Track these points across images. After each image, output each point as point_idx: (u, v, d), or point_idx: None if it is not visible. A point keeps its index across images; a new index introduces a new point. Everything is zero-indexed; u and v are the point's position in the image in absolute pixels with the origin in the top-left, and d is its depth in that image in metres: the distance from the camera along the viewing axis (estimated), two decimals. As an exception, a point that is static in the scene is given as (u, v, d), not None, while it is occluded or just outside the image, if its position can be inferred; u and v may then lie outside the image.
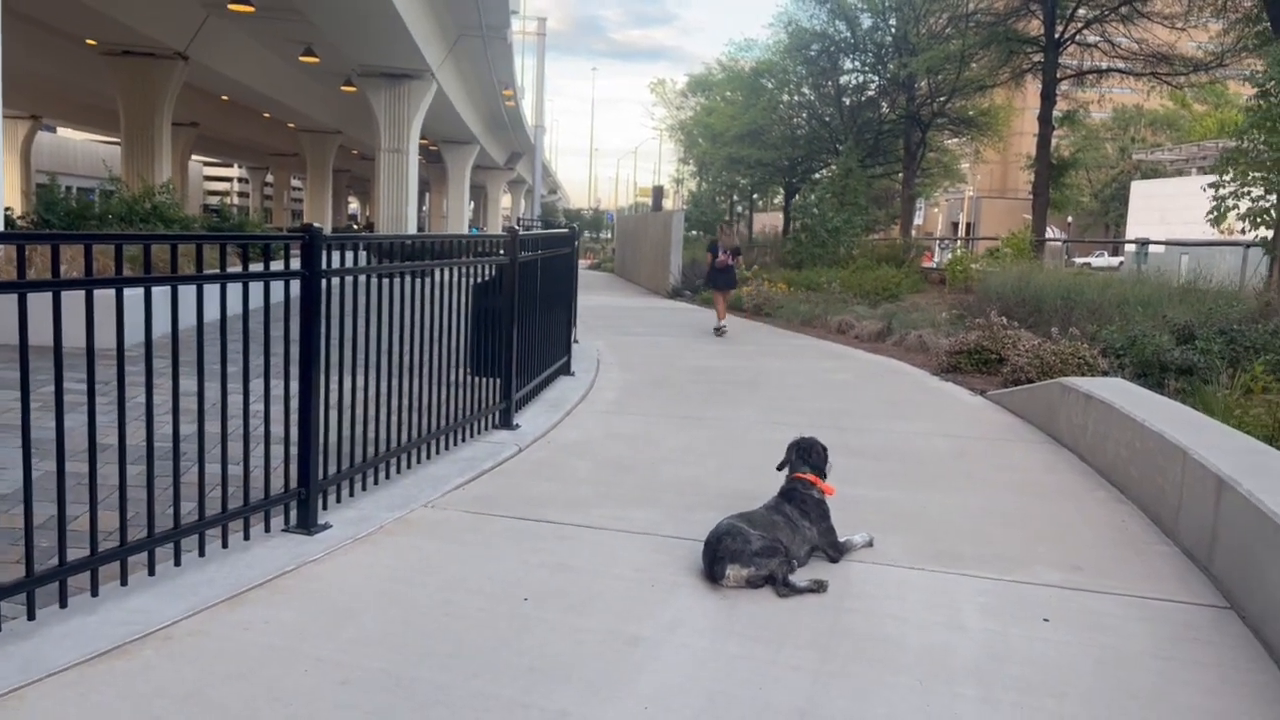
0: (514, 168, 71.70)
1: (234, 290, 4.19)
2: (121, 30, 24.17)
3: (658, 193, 38.32)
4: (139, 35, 24.60)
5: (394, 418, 5.42)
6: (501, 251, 7.06)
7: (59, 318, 3.29)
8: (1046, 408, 7.63)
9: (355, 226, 76.99)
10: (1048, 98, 27.30)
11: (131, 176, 23.71)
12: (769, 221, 53.75)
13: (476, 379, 6.70)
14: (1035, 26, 28.32)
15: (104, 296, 3.48)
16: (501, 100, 43.44)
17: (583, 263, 24.09)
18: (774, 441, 5.53)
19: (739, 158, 37.71)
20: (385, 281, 5.35)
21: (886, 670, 3.44)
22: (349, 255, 5.00)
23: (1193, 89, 31.80)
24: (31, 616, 3.40)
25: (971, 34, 28.74)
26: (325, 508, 4.78)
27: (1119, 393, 6.62)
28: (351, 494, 5.08)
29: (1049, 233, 31.45)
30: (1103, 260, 44.06)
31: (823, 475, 4.71)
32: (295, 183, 73.29)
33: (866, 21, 33.68)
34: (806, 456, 4.74)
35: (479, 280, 6.87)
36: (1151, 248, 29.13)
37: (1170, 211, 38.62)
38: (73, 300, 3.34)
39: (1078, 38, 27.89)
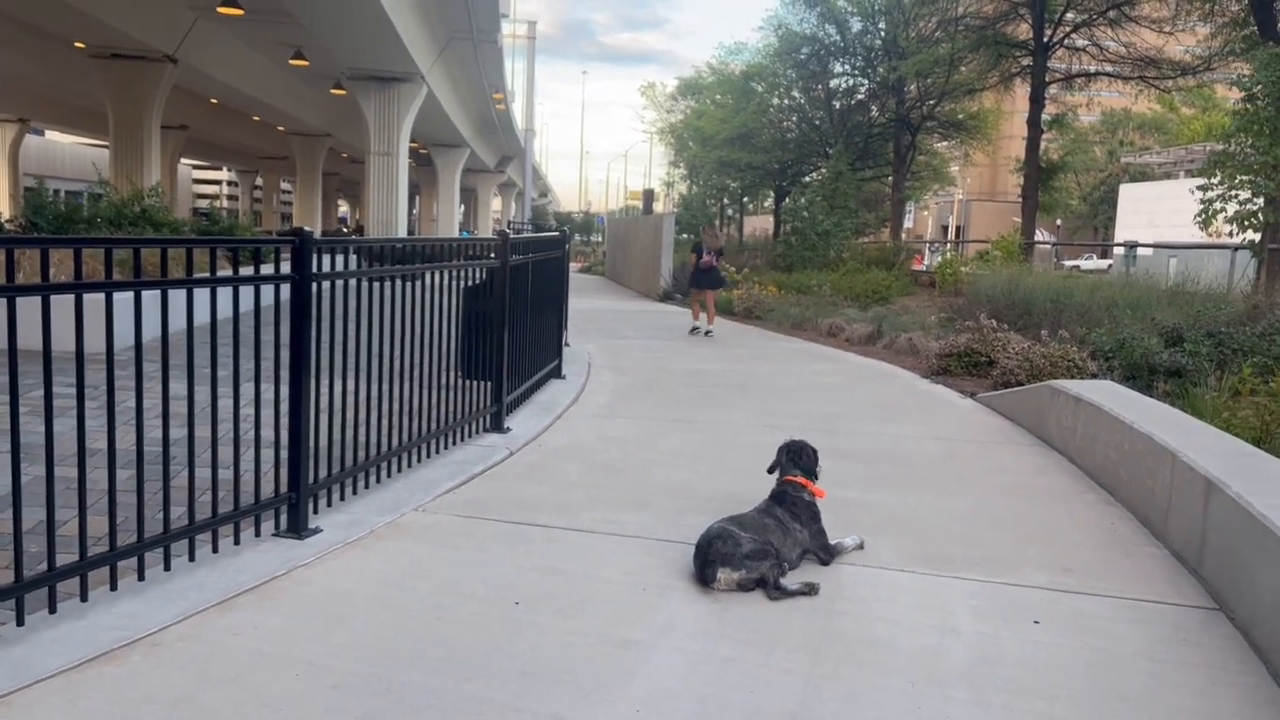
0: (504, 171, 71.67)
1: (224, 294, 4.18)
2: (110, 33, 24.09)
3: (648, 196, 38.35)
4: (128, 38, 24.51)
5: (385, 421, 5.41)
6: (493, 255, 7.06)
7: (48, 322, 3.28)
8: (1036, 410, 7.66)
9: (345, 229, 76.75)
10: (1037, 101, 27.40)
11: (120, 180, 23.64)
12: (759, 225, 53.79)
13: (467, 382, 6.69)
14: (1024, 30, 28.42)
15: (93, 300, 3.46)
16: (492, 104, 43.42)
17: (573, 266, 24.11)
18: (765, 445, 5.53)
19: (729, 161, 37.73)
20: (376, 285, 5.35)
21: (878, 673, 3.44)
22: (340, 259, 5.00)
23: (1180, 92, 31.89)
24: (20, 622, 3.38)
25: (961, 38, 28.83)
26: (316, 512, 4.77)
27: (1108, 395, 6.65)
28: (342, 498, 5.07)
29: (1038, 235, 31.55)
30: (1091, 263, 44.22)
31: (813, 478, 4.72)
32: (285, 186, 73.11)
33: (856, 25, 33.76)
34: (797, 459, 4.75)
35: (470, 283, 6.87)
36: (1140, 250, 29.20)
37: (1158, 214, 38.86)
38: (62, 304, 3.33)
39: (1066, 41, 28.00)
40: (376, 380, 5.28)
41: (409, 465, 5.77)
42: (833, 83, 36.02)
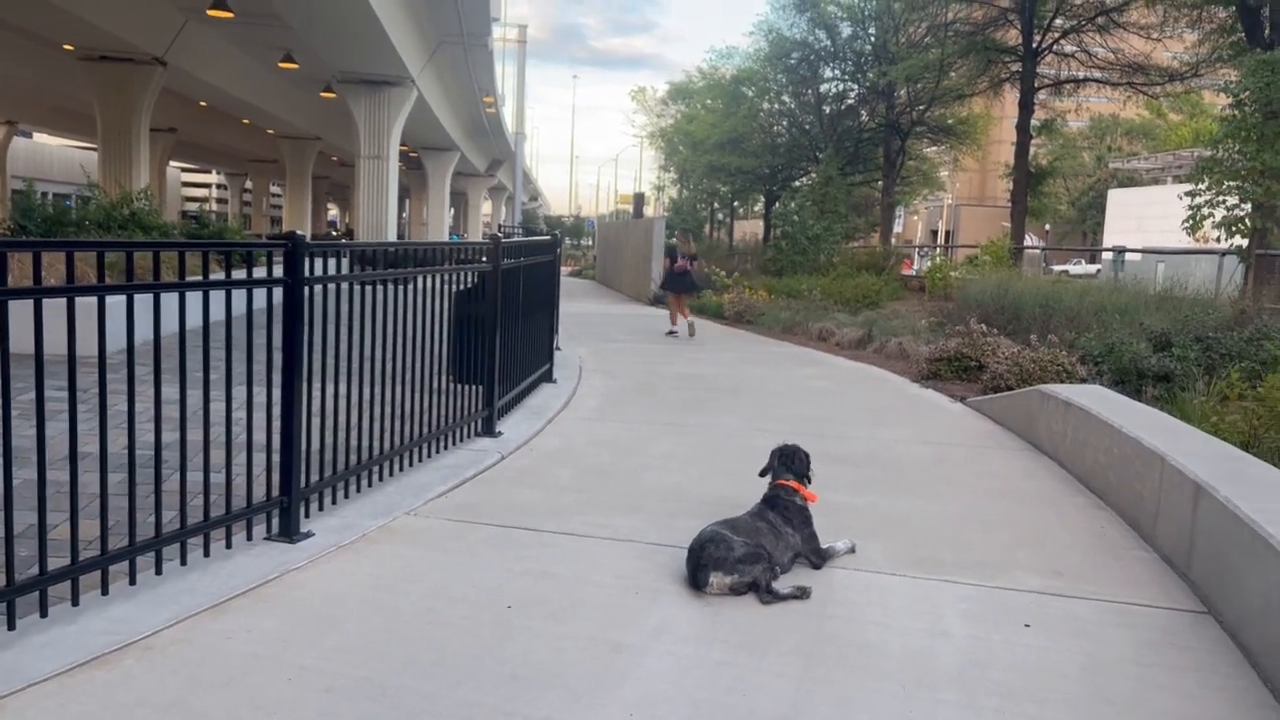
0: (495, 174, 71.59)
1: (216, 297, 4.18)
2: (99, 35, 24.00)
3: (639, 200, 38.37)
4: (117, 40, 24.42)
5: (376, 425, 5.41)
6: (484, 259, 7.06)
7: (40, 325, 3.28)
8: (1026, 415, 7.69)
9: (335, 233, 76.67)
10: (1026, 107, 27.55)
11: (109, 182, 23.52)
12: (750, 229, 53.91)
13: (459, 386, 6.69)
14: (1013, 36, 28.57)
15: (85, 304, 3.46)
16: (482, 107, 43.41)
17: (564, 270, 24.08)
18: (756, 448, 5.55)
19: (720, 165, 37.85)
20: (368, 289, 5.34)
21: (869, 677, 3.45)
22: (332, 263, 4.99)
23: (1168, 98, 32.12)
24: (11, 626, 3.37)
25: (950, 43, 28.97)
26: (308, 516, 4.76)
27: (1097, 400, 6.68)
28: (334, 502, 5.06)
29: (1027, 240, 31.70)
30: (1080, 268, 44.41)
31: (806, 482, 4.74)
32: (274, 189, 73.02)
33: (846, 30, 33.91)
34: (789, 463, 4.76)
35: (461, 287, 6.87)
36: (1128, 255, 29.41)
37: (1146, 220, 39.01)
38: (54, 307, 3.32)
39: (1055, 47, 28.18)
40: (368, 384, 5.28)
41: (401, 469, 5.77)
42: (823, 88, 36.18)
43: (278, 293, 4.52)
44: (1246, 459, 5.08)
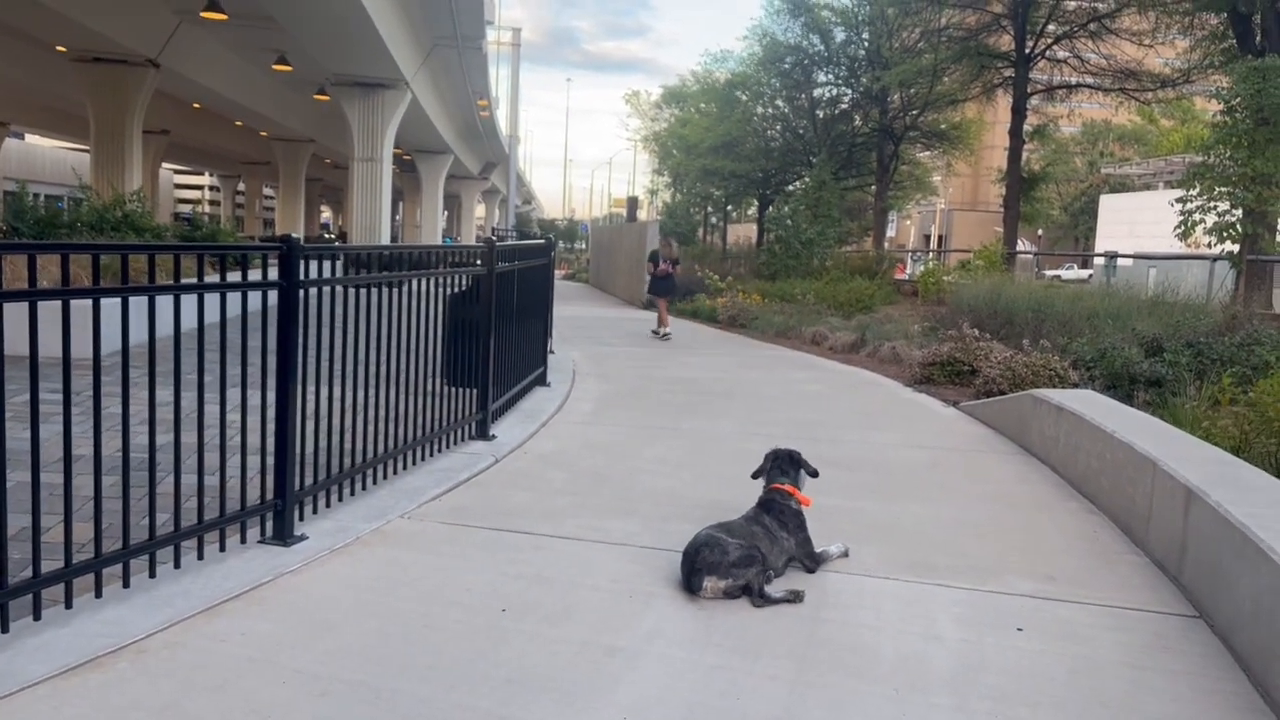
0: (488, 178, 71.64)
1: (210, 300, 4.18)
2: (92, 37, 23.96)
3: (632, 203, 38.47)
4: (110, 42, 24.39)
5: (371, 428, 5.41)
6: (479, 262, 7.07)
7: (35, 327, 3.28)
8: (1018, 419, 7.71)
9: (328, 235, 76.55)
10: (1018, 112, 27.63)
11: (102, 184, 23.49)
12: (743, 233, 53.96)
13: (453, 389, 6.69)
14: (1006, 42, 28.68)
15: (80, 306, 3.46)
16: (476, 110, 43.45)
17: (558, 273, 24.08)
18: (750, 452, 5.56)
19: (713, 169, 37.85)
20: (363, 292, 5.35)
21: (862, 680, 3.46)
22: (327, 265, 4.99)
23: (1160, 104, 32.26)
24: (5, 629, 3.36)
25: (943, 49, 29.04)
26: (302, 519, 4.75)
27: (1089, 404, 6.70)
28: (328, 505, 5.06)
29: (1020, 245, 31.78)
30: (1072, 273, 44.59)
31: (800, 486, 4.75)
32: (268, 191, 72.78)
33: (840, 35, 33.95)
34: (784, 467, 4.77)
35: (455, 290, 6.87)
36: (1120, 261, 29.52)
37: (1138, 225, 39.18)
38: (49, 310, 3.32)
39: (1048, 53, 28.26)
40: (363, 387, 5.28)
41: (395, 472, 5.77)
42: (816, 92, 36.21)
43: (272, 295, 4.52)
44: (1238, 464, 5.10)
